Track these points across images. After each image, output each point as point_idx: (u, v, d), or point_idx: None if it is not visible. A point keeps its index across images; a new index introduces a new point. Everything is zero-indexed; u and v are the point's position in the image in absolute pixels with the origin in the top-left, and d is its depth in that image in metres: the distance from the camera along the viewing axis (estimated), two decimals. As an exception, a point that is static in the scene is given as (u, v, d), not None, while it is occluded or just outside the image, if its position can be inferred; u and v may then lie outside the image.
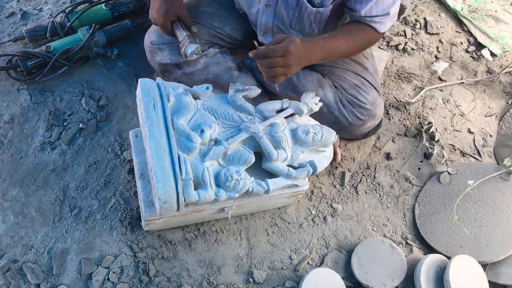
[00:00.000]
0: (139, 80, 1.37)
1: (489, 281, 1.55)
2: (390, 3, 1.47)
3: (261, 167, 1.46)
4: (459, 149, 1.90)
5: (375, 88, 1.70)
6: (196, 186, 1.32)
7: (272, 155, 1.40)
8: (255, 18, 1.64)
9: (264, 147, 1.39)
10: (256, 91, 1.52)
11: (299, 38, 1.38)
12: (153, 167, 1.26)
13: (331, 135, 1.49)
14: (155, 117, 1.30)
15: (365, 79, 1.69)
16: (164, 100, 1.34)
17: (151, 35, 1.70)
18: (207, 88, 1.45)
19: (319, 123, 1.52)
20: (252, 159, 1.40)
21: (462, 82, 2.08)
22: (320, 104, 1.56)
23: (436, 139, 1.89)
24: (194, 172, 1.31)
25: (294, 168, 1.46)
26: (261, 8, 1.57)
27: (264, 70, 1.36)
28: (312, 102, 1.53)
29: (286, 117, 1.49)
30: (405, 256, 1.60)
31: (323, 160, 1.51)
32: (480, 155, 1.89)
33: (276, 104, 1.49)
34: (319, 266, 1.60)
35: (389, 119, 1.94)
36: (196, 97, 1.45)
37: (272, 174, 1.45)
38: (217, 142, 1.37)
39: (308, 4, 1.51)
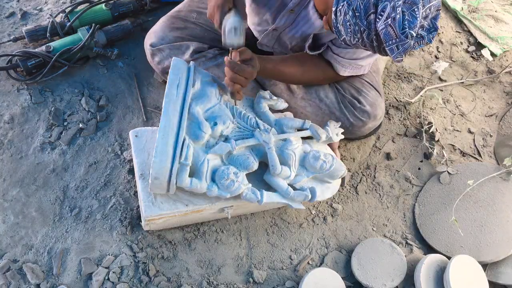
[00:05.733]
0: (173, 58, 1.39)
1: (489, 281, 1.55)
2: (360, 57, 1.54)
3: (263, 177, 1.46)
4: (459, 149, 1.90)
5: (375, 88, 1.69)
6: (192, 174, 1.33)
7: (276, 169, 1.39)
8: (257, 34, 1.65)
9: (270, 159, 1.39)
10: (283, 104, 1.52)
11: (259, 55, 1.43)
12: (156, 141, 1.27)
13: (341, 169, 1.48)
14: (175, 96, 1.32)
15: (364, 79, 1.69)
16: (189, 84, 1.35)
17: (150, 37, 1.71)
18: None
19: (333, 154, 1.51)
20: (255, 166, 1.40)
21: (462, 82, 2.08)
22: (341, 136, 1.55)
23: (436, 139, 1.89)
24: (194, 160, 1.31)
25: (294, 189, 1.45)
26: (268, 30, 1.59)
27: (228, 78, 1.39)
28: (333, 131, 1.52)
29: (303, 138, 1.49)
30: (405, 256, 1.60)
31: (326, 191, 1.50)
32: (480, 155, 1.89)
33: (297, 122, 1.49)
34: (319, 266, 1.60)
35: (389, 119, 1.94)
36: (223, 92, 1.45)
37: (271, 188, 1.45)
38: (227, 139, 1.38)
39: (308, 50, 1.55)
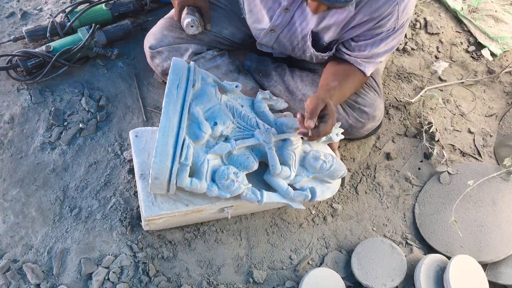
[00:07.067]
0: (173, 58, 1.39)
1: (489, 281, 1.55)
2: (377, 53, 1.52)
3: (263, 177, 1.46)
4: (459, 149, 1.90)
5: (374, 89, 1.69)
6: (192, 174, 1.33)
7: (276, 169, 1.39)
8: (256, 33, 1.64)
9: (270, 159, 1.39)
10: (283, 104, 1.52)
11: (329, 101, 1.38)
12: (156, 141, 1.28)
13: (341, 169, 1.48)
14: (175, 96, 1.32)
15: None
16: (189, 84, 1.35)
17: (150, 39, 1.71)
18: (236, 86, 1.46)
19: (333, 154, 1.51)
20: (255, 166, 1.40)
21: (462, 82, 2.08)
22: (341, 136, 1.55)
23: (436, 139, 1.89)
24: (194, 160, 1.32)
25: (294, 189, 1.45)
26: (265, 30, 1.58)
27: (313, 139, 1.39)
28: (333, 131, 1.52)
29: (303, 138, 1.49)
30: (405, 256, 1.60)
31: (326, 190, 1.50)
32: (480, 155, 1.89)
33: (297, 122, 1.48)
34: (319, 266, 1.60)
35: (389, 119, 1.94)
36: (223, 92, 1.45)
37: (271, 188, 1.44)
38: (227, 139, 1.38)
39: (313, 49, 1.54)
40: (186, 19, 1.63)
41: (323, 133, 1.35)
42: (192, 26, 1.64)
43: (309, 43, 1.53)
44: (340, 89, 1.50)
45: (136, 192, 1.63)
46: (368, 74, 1.58)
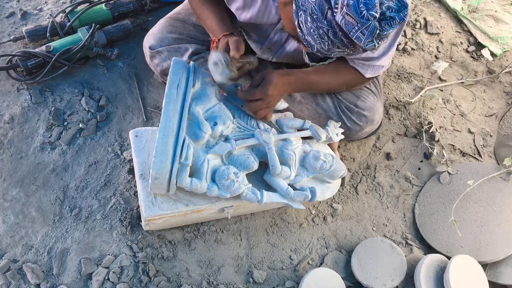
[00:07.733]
0: (173, 58, 1.39)
1: (489, 281, 1.55)
2: (374, 56, 1.49)
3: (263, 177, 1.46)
4: (459, 149, 1.90)
5: (374, 93, 1.69)
6: (193, 174, 1.33)
7: (276, 169, 1.39)
8: (255, 49, 1.65)
9: (270, 159, 1.39)
10: (283, 104, 1.52)
11: (279, 70, 1.41)
12: (156, 141, 1.28)
13: (341, 169, 1.48)
14: (175, 96, 1.32)
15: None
16: (189, 84, 1.35)
17: (149, 39, 1.71)
18: (236, 86, 1.46)
19: (333, 154, 1.51)
20: (255, 166, 1.40)
21: (462, 82, 2.08)
22: (341, 136, 1.55)
23: (436, 139, 1.89)
24: (194, 160, 1.32)
25: (294, 189, 1.45)
26: (263, 48, 1.60)
27: (250, 110, 1.42)
28: (333, 131, 1.52)
29: (303, 138, 1.49)
30: (405, 256, 1.60)
31: (326, 190, 1.50)
32: (480, 155, 1.89)
33: (297, 122, 1.49)
34: (319, 266, 1.60)
35: (389, 119, 1.94)
36: (223, 92, 1.45)
37: (271, 188, 1.45)
38: (227, 139, 1.38)
39: (309, 62, 1.52)
40: (219, 75, 1.33)
41: (252, 95, 1.38)
42: (215, 64, 1.32)
43: (306, 58, 1.51)
44: (314, 74, 1.49)
45: (136, 192, 1.63)
46: (367, 75, 1.55)
